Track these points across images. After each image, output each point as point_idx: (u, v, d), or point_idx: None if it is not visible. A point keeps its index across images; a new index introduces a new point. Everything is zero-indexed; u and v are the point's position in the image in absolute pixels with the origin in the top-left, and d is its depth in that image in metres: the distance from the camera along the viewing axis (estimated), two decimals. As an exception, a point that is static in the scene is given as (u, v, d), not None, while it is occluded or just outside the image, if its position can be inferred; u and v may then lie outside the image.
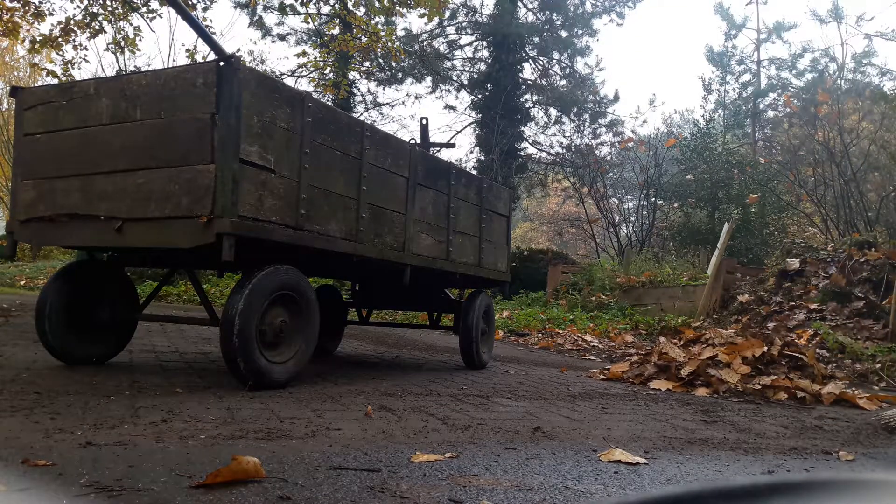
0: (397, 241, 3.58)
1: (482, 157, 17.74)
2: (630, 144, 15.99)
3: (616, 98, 19.16)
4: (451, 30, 19.22)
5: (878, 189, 11.12)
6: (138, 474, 1.44)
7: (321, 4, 10.55)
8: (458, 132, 19.58)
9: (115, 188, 2.76)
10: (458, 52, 19.62)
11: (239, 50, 18.83)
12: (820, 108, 11.69)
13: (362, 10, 9.98)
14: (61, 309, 3.17)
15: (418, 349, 5.85)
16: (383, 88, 19.47)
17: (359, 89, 18.86)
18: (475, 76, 19.16)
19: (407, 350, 5.69)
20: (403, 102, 27.07)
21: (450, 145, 6.80)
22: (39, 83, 15.23)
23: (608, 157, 18.34)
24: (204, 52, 12.76)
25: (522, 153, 18.81)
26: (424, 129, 5.07)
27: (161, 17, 9.91)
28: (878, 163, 11.29)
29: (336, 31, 12.78)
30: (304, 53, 11.87)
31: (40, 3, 9.00)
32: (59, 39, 9.08)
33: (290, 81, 15.93)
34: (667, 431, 2.48)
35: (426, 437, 2.08)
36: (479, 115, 18.61)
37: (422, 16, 9.53)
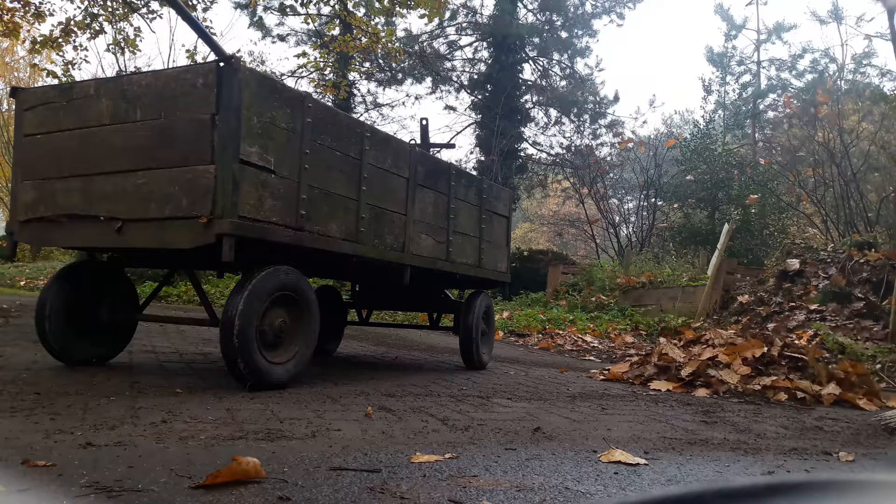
0: (397, 241, 3.58)
1: (482, 158, 17.75)
2: (630, 145, 16.00)
3: (616, 99, 19.20)
4: (451, 30, 19.25)
5: (878, 189, 11.13)
6: (138, 475, 1.44)
7: (321, 5, 10.56)
8: (458, 133, 19.61)
9: (115, 189, 2.77)
10: (457, 53, 19.66)
11: (239, 50, 18.84)
12: (820, 109, 11.69)
13: (362, 10, 9.99)
14: (61, 310, 3.17)
15: (418, 350, 5.85)
16: (383, 89, 19.50)
17: (359, 90, 18.87)
18: (475, 77, 19.17)
19: (407, 351, 5.69)
20: (403, 103, 27.12)
21: (450, 146, 6.79)
22: (40, 84, 15.22)
23: (608, 158, 18.36)
24: (204, 53, 12.78)
25: (522, 154, 18.82)
26: (424, 130, 5.07)
27: (161, 17, 9.92)
28: (878, 163, 11.30)
29: (336, 31, 12.78)
30: (304, 54, 11.83)
31: (40, 3, 9.00)
32: (60, 40, 9.09)
33: (290, 82, 15.93)
34: (667, 432, 2.48)
35: (426, 438, 2.08)
36: (479, 116, 18.62)
37: (422, 16, 9.54)
